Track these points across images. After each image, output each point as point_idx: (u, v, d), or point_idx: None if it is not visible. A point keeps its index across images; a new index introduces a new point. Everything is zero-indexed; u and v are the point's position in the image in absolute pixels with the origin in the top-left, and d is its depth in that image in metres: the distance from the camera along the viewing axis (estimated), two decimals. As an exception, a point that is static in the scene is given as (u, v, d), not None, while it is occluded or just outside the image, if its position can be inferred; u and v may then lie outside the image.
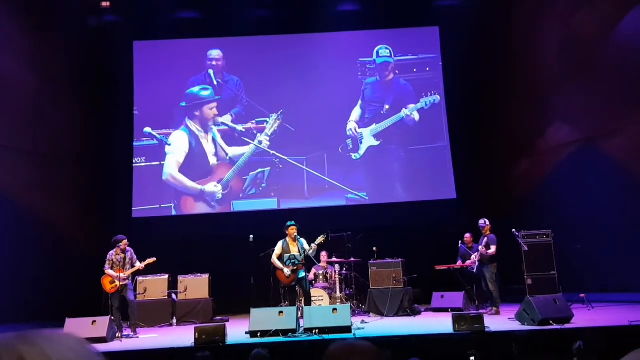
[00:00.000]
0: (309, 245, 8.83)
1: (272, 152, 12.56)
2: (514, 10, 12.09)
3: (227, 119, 12.72)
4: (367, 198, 12.52)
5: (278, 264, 8.81)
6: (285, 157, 12.58)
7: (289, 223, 8.96)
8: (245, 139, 12.63)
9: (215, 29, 13.05)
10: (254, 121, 12.73)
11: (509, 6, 12.14)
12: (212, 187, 12.43)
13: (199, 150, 12.62)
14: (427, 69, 13.03)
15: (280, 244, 8.90)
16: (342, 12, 12.73)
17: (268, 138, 12.52)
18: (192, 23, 12.81)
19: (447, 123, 12.80)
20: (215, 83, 12.91)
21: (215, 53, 13.02)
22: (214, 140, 12.60)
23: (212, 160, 12.58)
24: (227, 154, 12.57)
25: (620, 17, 9.74)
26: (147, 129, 12.61)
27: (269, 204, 12.49)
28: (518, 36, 12.06)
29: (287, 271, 8.65)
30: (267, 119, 12.65)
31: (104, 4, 12.15)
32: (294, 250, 8.79)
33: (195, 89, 12.84)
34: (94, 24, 12.48)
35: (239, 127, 12.67)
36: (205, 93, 12.80)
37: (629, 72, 9.60)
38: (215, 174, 12.52)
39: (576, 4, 10.63)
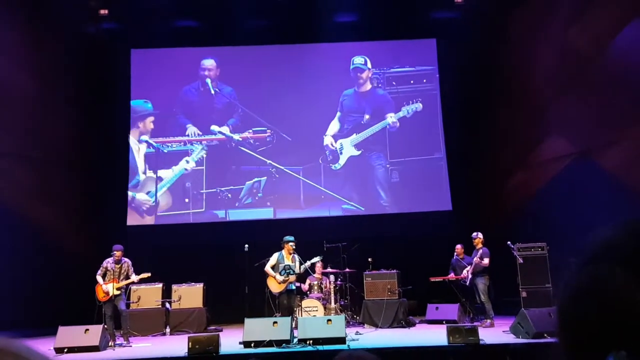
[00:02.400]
0: (303, 263, 8.91)
1: (268, 161, 12.56)
2: (510, 23, 12.16)
3: (224, 129, 12.73)
4: (362, 208, 12.53)
5: (270, 272, 8.88)
6: (282, 167, 12.59)
7: (288, 238, 8.97)
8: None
9: (212, 38, 13.10)
10: (250, 130, 12.75)
11: (505, 19, 12.21)
12: (144, 195, 12.47)
13: (132, 164, 12.65)
14: (424, 80, 13.09)
15: (276, 255, 8.97)
16: (340, 23, 12.79)
17: (194, 164, 12.56)
18: (189, 32, 12.84)
19: (444, 134, 12.84)
20: (213, 92, 12.93)
21: (209, 63, 13.05)
22: (145, 157, 12.68)
23: (142, 175, 12.60)
24: (155, 172, 12.61)
25: (616, 32, 9.81)
26: (144, 137, 12.61)
27: (265, 213, 12.47)
28: (515, 49, 12.12)
29: (279, 277, 8.71)
30: (265, 131, 12.71)
31: (102, 11, 12.17)
32: (290, 263, 8.84)
33: (139, 102, 12.87)
34: (92, 31, 12.50)
35: (236, 137, 12.68)
36: (147, 106, 12.88)
37: (624, 86, 9.65)
38: (144, 187, 12.55)
39: (572, 18, 10.71)
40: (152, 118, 12.80)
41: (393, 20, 12.84)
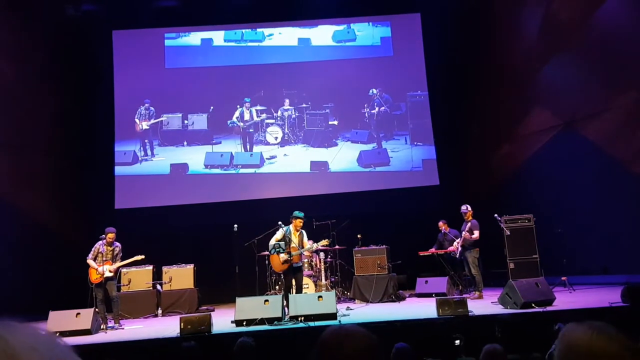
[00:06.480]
0: (309, 243, 8.58)
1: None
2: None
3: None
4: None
5: None
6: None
7: (298, 214, 8.48)
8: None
9: (194, 18, 12.92)
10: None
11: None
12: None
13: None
14: (409, 55, 13.05)
15: (282, 230, 8.43)
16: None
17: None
18: (171, 12, 12.65)
19: (430, 109, 12.84)
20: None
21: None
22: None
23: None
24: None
25: (599, 3, 9.81)
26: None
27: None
28: (499, 22, 12.09)
29: (283, 256, 8.35)
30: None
31: (81, -8, 11.94)
32: (295, 239, 8.47)
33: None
34: (71, 13, 12.26)
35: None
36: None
37: (607, 58, 9.69)
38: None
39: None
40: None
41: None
